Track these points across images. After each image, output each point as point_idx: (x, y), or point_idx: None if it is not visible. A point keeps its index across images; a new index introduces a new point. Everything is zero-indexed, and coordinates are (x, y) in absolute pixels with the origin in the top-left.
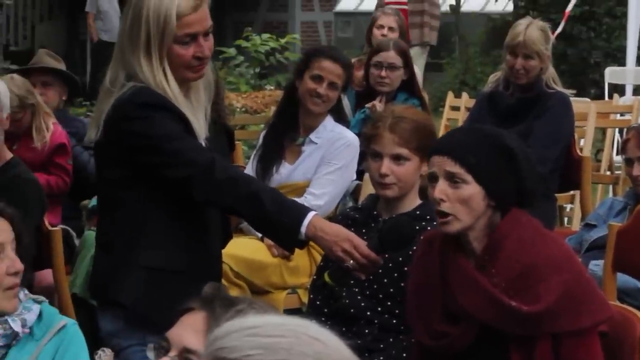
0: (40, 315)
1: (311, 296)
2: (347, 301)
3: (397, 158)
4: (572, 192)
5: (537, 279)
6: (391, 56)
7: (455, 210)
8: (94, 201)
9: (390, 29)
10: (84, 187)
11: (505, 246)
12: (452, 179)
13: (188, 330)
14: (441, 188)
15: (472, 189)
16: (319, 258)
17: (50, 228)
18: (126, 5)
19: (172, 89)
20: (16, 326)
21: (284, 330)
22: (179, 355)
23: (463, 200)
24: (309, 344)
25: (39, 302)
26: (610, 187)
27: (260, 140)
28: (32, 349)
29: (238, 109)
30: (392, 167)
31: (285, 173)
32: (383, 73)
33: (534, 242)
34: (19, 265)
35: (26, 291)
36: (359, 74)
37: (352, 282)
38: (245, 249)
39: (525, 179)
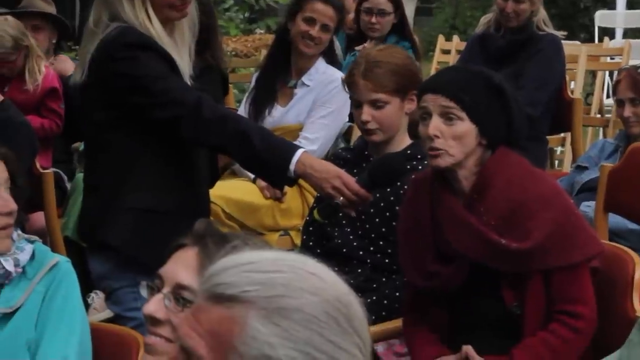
0: (33, 255)
1: (304, 237)
2: (339, 241)
3: (374, 103)
4: (562, 135)
5: (526, 215)
6: (381, 2)
7: (447, 146)
8: None
9: None
10: (76, 130)
11: (493, 184)
12: (447, 115)
13: (180, 266)
14: (435, 124)
15: (465, 126)
16: (311, 200)
17: (42, 171)
18: None
19: (155, 29)
20: (9, 265)
21: (281, 265)
22: (172, 292)
23: (456, 137)
24: (306, 279)
25: (32, 242)
26: (601, 130)
27: (253, 83)
28: (25, 287)
29: (228, 53)
30: (371, 112)
31: (277, 115)
32: (373, 19)
33: (523, 179)
34: (13, 205)
35: (19, 231)
36: (350, 17)
37: (341, 218)
38: (237, 190)
39: (514, 117)
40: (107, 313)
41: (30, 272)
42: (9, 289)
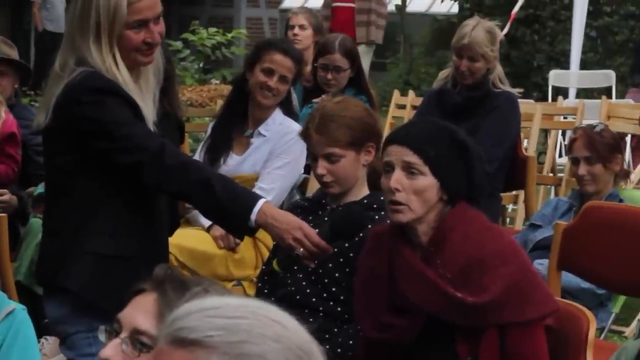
0: None
1: (259, 284)
2: (292, 288)
3: (329, 157)
4: (515, 192)
5: (482, 270)
6: (337, 58)
7: (408, 200)
8: (39, 189)
9: (301, 27)
10: (29, 175)
11: (451, 238)
12: (409, 169)
13: (139, 311)
14: (397, 177)
15: (428, 181)
16: (265, 250)
17: None
18: None
19: (122, 74)
20: None
21: (244, 311)
22: (130, 336)
23: (418, 191)
24: (269, 326)
25: None
26: (552, 189)
27: (209, 131)
28: None
29: (183, 102)
30: (326, 166)
31: (233, 165)
32: (329, 75)
33: (480, 235)
34: None
35: None
36: (307, 69)
37: (296, 268)
38: (191, 239)
39: (476, 174)
40: (59, 358)
41: None
42: None
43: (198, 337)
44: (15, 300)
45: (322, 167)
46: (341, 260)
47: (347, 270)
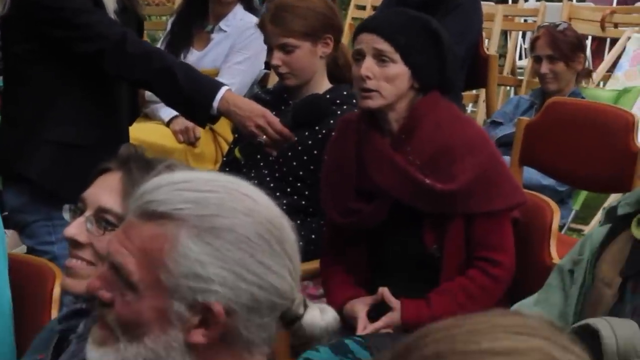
0: None
1: None
2: (255, 182)
3: (283, 48)
4: (475, 92)
5: (452, 159)
6: None
7: (379, 87)
8: None
9: None
10: None
11: (422, 126)
12: (380, 57)
13: (103, 189)
14: (368, 65)
15: (399, 68)
16: (224, 145)
17: None
18: None
19: None
20: None
21: (214, 185)
22: (94, 215)
23: (389, 78)
24: (240, 200)
25: None
26: (512, 90)
27: (169, 27)
28: None
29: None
30: (281, 57)
31: (193, 60)
32: None
33: (451, 123)
34: None
35: None
36: None
37: (258, 160)
38: (151, 133)
39: (448, 63)
40: (20, 249)
41: None
42: None
43: (167, 210)
44: None
45: (276, 58)
46: (305, 157)
47: (311, 167)
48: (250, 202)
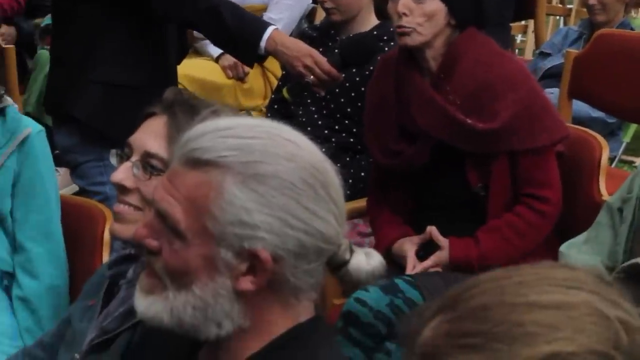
0: (4, 121)
1: (268, 115)
2: (303, 119)
3: None
4: (524, 23)
5: (492, 96)
6: None
7: (416, 24)
8: (46, 20)
9: None
10: (35, 6)
11: (461, 63)
12: None
13: (148, 134)
14: (404, 2)
15: (435, 5)
16: (273, 80)
17: (3, 46)
18: None
19: None
20: None
21: (257, 131)
22: (141, 160)
23: (426, 15)
24: (282, 145)
25: (4, 107)
26: (562, 20)
27: None
28: None
29: None
30: None
31: None
32: None
33: (490, 60)
34: None
35: None
36: None
37: (306, 97)
38: (200, 69)
39: None
40: (71, 188)
41: (1, 140)
42: None
43: (212, 158)
44: None
45: None
46: (352, 94)
47: (359, 104)
48: (293, 147)
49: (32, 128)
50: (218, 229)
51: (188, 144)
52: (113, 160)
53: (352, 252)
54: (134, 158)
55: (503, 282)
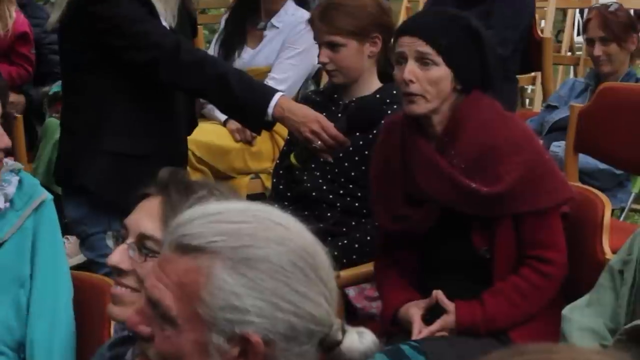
0: (20, 184)
1: (274, 180)
2: (308, 185)
3: (331, 45)
4: (533, 74)
5: (496, 159)
6: None
7: (423, 91)
8: (55, 88)
9: None
10: (44, 74)
11: (465, 127)
12: (422, 60)
13: (144, 215)
14: (410, 69)
15: (441, 71)
16: (281, 143)
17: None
18: None
19: None
20: (1, 202)
21: (247, 216)
22: (136, 242)
23: (432, 82)
24: (272, 229)
25: (17, 171)
26: (572, 68)
27: (222, 25)
28: (14, 220)
29: None
30: (328, 54)
31: (247, 58)
32: None
33: (494, 123)
34: (7, 141)
35: (3, 161)
36: None
37: (312, 165)
38: (208, 134)
39: (490, 62)
40: (79, 258)
41: (18, 203)
42: None
43: (201, 243)
44: None
45: (324, 55)
46: (357, 158)
47: (363, 168)
48: (283, 231)
49: (47, 194)
50: (209, 315)
51: (177, 229)
52: (109, 242)
53: (344, 332)
54: (130, 240)
55: (553, 357)
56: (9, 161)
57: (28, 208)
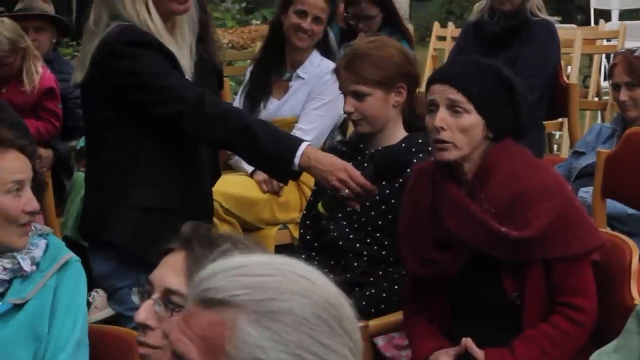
0: (47, 246)
1: (301, 230)
2: (335, 234)
3: (356, 94)
4: (560, 120)
5: (526, 205)
6: (365, 8)
7: (454, 139)
8: (82, 142)
9: None
10: (71, 128)
11: (496, 173)
12: (454, 107)
13: (168, 271)
14: (442, 116)
15: (473, 119)
16: (309, 193)
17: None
18: None
19: (155, 25)
20: (26, 265)
21: (270, 269)
22: (162, 297)
23: (463, 129)
24: (296, 282)
25: (45, 235)
26: (599, 113)
27: (247, 76)
28: (37, 280)
29: (225, 45)
30: (354, 103)
31: (273, 109)
32: (361, 25)
33: (524, 169)
34: (36, 204)
35: (33, 225)
36: (342, 9)
37: (339, 214)
38: (235, 185)
39: (521, 110)
40: (108, 312)
41: (43, 264)
42: (19, 280)
43: (225, 297)
44: None
45: (349, 104)
46: (383, 207)
47: (390, 216)
48: (307, 283)
49: (71, 255)
50: None
51: (201, 283)
52: (135, 298)
53: None
54: (155, 295)
55: None
56: (38, 225)
57: (52, 268)
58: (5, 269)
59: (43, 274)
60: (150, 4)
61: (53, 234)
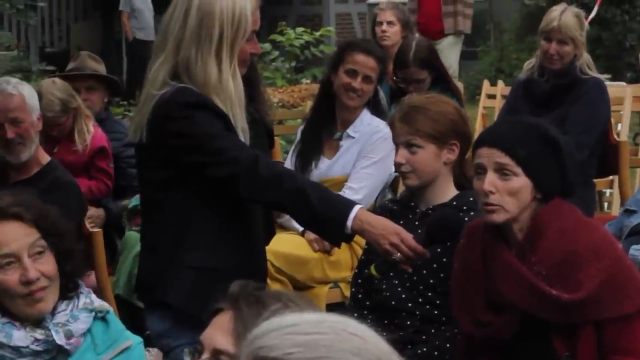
0: (107, 326)
1: (353, 289)
2: (387, 293)
3: (409, 146)
4: (610, 177)
5: (577, 266)
6: (414, 72)
7: (503, 202)
8: (134, 201)
9: (389, 23)
10: (122, 187)
11: (546, 235)
12: (502, 170)
13: (217, 331)
14: (490, 180)
15: (521, 181)
16: (360, 252)
17: (91, 230)
18: (177, 3)
19: (237, 87)
20: (59, 339)
21: (322, 327)
22: (211, 357)
23: (512, 192)
24: (348, 340)
25: (104, 312)
26: None
27: (298, 136)
28: None
29: (275, 104)
30: (405, 155)
31: (324, 168)
32: (411, 88)
33: (575, 230)
34: (33, 274)
35: (88, 299)
36: (391, 68)
37: (391, 274)
38: (286, 244)
39: (569, 170)
40: None
41: (101, 346)
42: (63, 356)
43: (278, 355)
44: (115, 314)
45: (401, 155)
46: (435, 266)
47: (442, 275)
48: (359, 341)
49: (133, 340)
50: None
51: (254, 342)
52: (187, 358)
53: None
54: (205, 355)
55: None
56: (96, 300)
57: (110, 352)
58: (37, 340)
59: (100, 357)
60: (236, 66)
61: (113, 313)
